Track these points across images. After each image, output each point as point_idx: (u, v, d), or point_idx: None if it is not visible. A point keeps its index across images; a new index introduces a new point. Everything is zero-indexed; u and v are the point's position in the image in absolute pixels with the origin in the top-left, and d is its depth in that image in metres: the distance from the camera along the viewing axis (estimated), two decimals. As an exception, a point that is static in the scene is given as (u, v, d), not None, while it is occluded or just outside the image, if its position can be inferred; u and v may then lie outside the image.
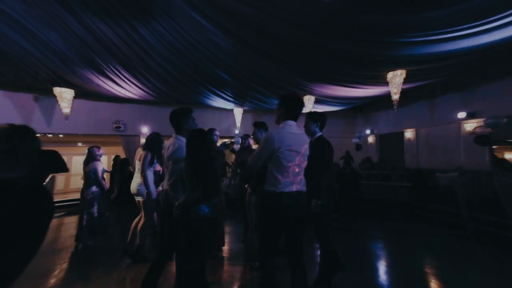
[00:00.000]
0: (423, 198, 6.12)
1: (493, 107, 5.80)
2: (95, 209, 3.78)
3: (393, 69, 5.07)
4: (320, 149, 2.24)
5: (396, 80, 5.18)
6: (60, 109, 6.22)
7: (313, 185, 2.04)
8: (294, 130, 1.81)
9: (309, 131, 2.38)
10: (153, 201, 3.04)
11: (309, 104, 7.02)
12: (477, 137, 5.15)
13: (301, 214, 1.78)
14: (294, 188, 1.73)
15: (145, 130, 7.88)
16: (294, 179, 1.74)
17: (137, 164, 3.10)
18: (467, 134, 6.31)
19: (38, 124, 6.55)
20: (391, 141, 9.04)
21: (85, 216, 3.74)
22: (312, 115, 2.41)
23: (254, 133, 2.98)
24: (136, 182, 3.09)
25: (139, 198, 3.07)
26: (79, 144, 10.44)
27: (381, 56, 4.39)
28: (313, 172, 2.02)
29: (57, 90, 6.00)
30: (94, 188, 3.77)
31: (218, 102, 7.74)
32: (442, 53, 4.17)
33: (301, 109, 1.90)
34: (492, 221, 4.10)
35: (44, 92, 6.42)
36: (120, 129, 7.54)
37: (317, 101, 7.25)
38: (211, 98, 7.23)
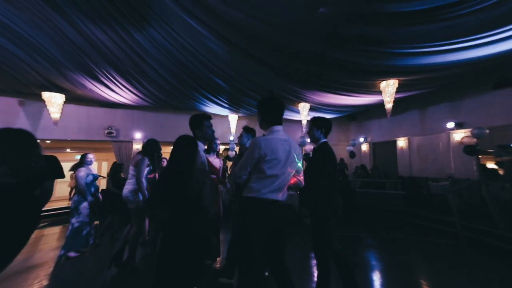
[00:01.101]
0: (417, 206, 6.18)
1: (479, 117, 6.03)
2: (76, 218, 3.58)
3: (386, 79, 5.22)
4: (318, 157, 2.21)
5: (389, 89, 5.31)
6: (49, 114, 6.01)
7: (308, 192, 1.99)
8: (282, 136, 1.76)
9: (313, 138, 2.31)
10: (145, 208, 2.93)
11: (304, 111, 7.10)
12: (466, 147, 5.32)
13: (281, 222, 1.71)
14: (276, 196, 1.67)
15: (138, 136, 7.72)
16: (277, 187, 1.67)
17: (131, 170, 2.99)
18: (456, 144, 6.50)
19: (23, 129, 6.32)
20: (384, 149, 9.21)
21: (69, 226, 3.56)
22: (315, 121, 2.33)
23: (241, 137, 2.91)
24: (127, 188, 2.97)
25: (130, 205, 2.95)
26: (68, 150, 10.11)
27: (374, 66, 4.49)
28: (310, 179, 1.98)
29: (46, 94, 5.80)
30: (75, 197, 3.63)
31: (213, 108, 7.71)
32: (434, 65, 4.32)
33: (280, 110, 1.83)
34: (483, 229, 4.17)
35: (30, 96, 6.20)
36: (112, 135, 7.35)
37: (311, 109, 7.34)
38: (206, 104, 7.20)
